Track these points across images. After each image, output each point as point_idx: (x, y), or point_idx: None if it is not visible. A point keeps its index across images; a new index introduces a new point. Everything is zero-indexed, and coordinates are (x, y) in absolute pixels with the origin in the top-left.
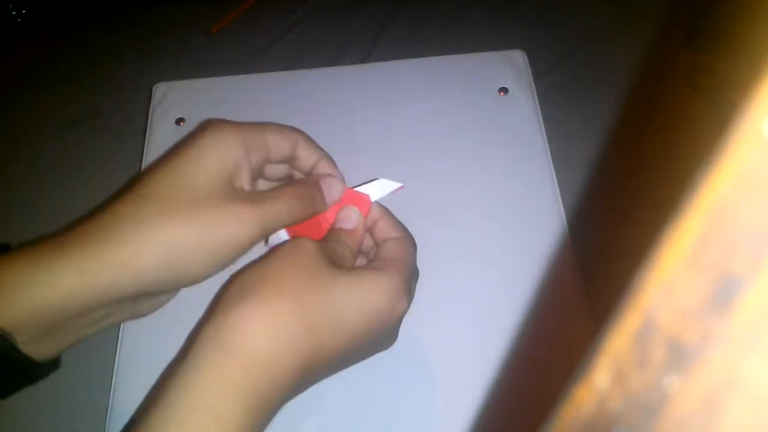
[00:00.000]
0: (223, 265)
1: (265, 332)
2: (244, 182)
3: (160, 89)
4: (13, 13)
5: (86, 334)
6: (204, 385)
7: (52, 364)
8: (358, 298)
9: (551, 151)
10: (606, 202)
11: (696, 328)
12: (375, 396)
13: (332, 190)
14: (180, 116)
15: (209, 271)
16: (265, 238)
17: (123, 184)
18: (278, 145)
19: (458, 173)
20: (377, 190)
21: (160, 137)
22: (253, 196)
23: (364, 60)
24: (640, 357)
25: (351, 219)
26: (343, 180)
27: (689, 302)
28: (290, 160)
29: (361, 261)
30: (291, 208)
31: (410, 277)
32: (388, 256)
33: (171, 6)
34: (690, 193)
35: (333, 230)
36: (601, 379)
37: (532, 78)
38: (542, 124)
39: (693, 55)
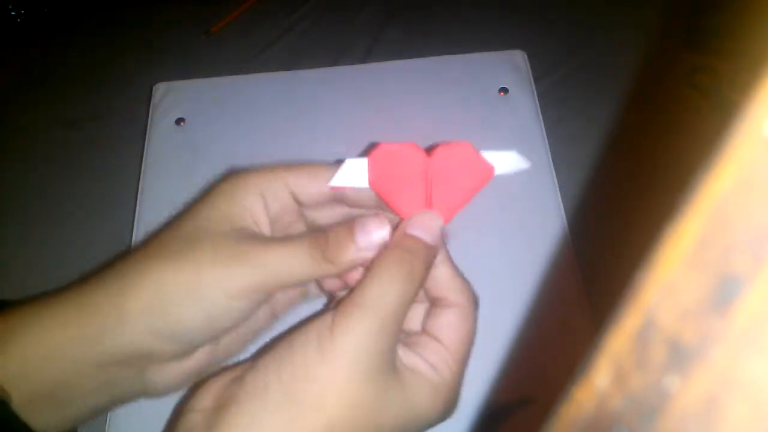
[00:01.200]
0: (223, 320)
1: None
2: (263, 229)
3: (160, 89)
4: (12, 13)
5: (92, 405)
6: None
7: None
8: (403, 418)
9: (551, 151)
10: (606, 203)
11: (696, 328)
12: None
13: (367, 233)
14: (180, 116)
15: (205, 325)
16: (308, 281)
17: (123, 185)
18: (306, 186)
19: None
20: (505, 163)
21: (160, 137)
22: (261, 242)
23: (364, 60)
24: (640, 357)
25: (431, 229)
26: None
27: (689, 302)
28: (339, 199)
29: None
30: (297, 258)
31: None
32: (448, 339)
33: (171, 6)
34: (690, 193)
35: (405, 237)
36: (601, 379)
37: (532, 78)
38: (542, 124)
39: (693, 55)
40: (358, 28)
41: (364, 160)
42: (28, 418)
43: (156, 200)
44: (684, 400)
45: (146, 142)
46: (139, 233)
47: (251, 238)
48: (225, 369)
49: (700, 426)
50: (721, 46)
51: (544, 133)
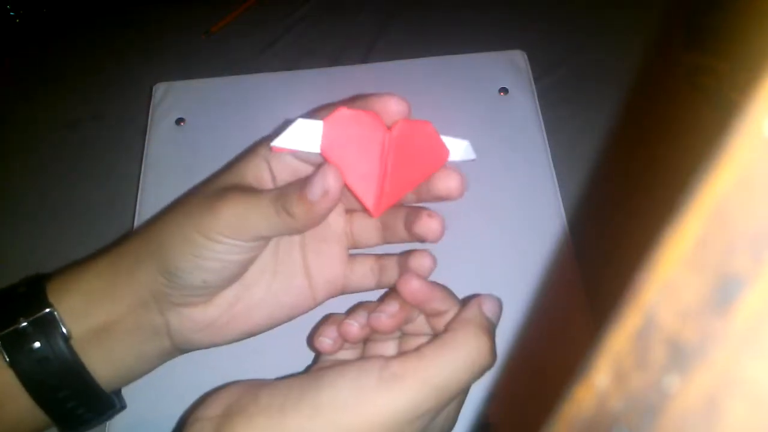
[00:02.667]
0: (210, 261)
1: None
2: (265, 186)
3: (160, 89)
4: (12, 13)
5: (130, 352)
6: None
7: (110, 399)
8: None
9: (551, 151)
10: (606, 203)
11: (696, 328)
12: None
13: (313, 185)
14: (180, 116)
15: (195, 265)
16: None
17: (123, 185)
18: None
19: None
20: (458, 150)
21: (160, 137)
22: (242, 193)
23: (364, 60)
24: (640, 357)
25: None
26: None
27: (689, 302)
28: None
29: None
30: (262, 208)
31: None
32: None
33: (171, 6)
34: (690, 193)
35: (482, 314)
36: (601, 379)
37: (532, 78)
38: (542, 124)
39: (693, 55)
40: (358, 28)
41: (319, 123)
42: (82, 357)
43: (156, 200)
44: (684, 400)
45: (146, 142)
46: None
47: (237, 190)
48: (232, 384)
49: (700, 426)
50: (721, 46)
51: (544, 133)
